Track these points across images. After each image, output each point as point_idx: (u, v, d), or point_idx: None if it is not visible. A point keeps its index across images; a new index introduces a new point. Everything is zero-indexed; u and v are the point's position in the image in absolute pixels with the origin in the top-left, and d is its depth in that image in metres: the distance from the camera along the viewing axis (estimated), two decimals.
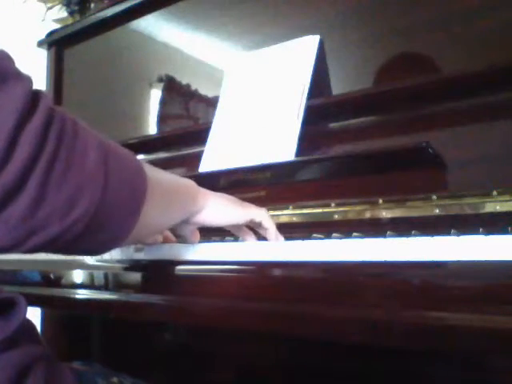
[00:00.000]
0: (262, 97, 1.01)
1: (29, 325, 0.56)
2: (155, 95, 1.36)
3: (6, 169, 0.39)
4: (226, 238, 0.79)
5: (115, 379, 0.68)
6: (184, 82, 1.28)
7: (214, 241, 0.82)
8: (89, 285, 0.90)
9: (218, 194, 0.69)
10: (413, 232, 0.62)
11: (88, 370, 0.67)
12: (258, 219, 0.70)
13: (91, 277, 0.90)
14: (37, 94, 0.42)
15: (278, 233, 0.71)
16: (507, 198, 0.66)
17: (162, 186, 0.55)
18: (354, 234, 0.68)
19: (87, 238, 0.46)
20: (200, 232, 0.76)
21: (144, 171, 0.50)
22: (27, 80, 0.43)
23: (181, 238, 0.76)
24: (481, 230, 0.56)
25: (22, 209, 0.41)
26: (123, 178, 0.47)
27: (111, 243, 0.50)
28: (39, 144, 0.41)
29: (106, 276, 0.86)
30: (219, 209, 0.67)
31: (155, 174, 0.54)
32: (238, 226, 0.74)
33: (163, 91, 1.34)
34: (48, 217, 0.42)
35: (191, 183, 0.65)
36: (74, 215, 0.43)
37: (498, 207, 0.67)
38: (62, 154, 0.42)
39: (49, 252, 0.48)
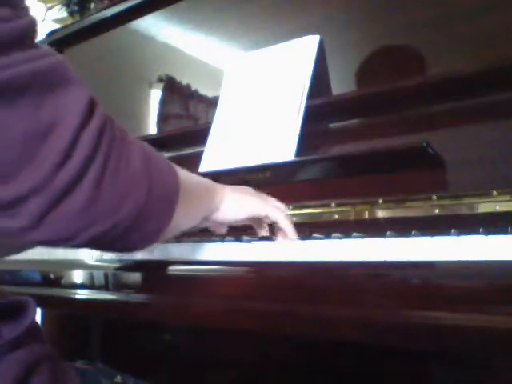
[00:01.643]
0: (261, 97, 1.01)
1: (35, 325, 0.57)
2: (155, 95, 1.36)
3: (68, 163, 0.42)
4: (226, 238, 0.79)
5: (119, 378, 0.68)
6: (184, 82, 1.28)
7: (214, 241, 0.82)
8: (89, 285, 0.90)
9: (236, 187, 0.68)
10: (413, 232, 0.62)
11: (91, 369, 0.68)
12: (272, 218, 0.68)
13: (91, 277, 0.90)
14: (94, 100, 0.46)
15: (294, 233, 0.69)
16: (507, 198, 0.66)
17: (189, 189, 0.56)
18: (354, 233, 0.68)
19: (127, 235, 0.49)
20: (200, 232, 0.76)
21: (178, 177, 0.53)
22: (86, 85, 0.46)
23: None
24: (481, 230, 0.56)
25: (80, 202, 0.44)
26: (162, 185, 0.51)
27: (144, 242, 0.53)
28: (96, 145, 0.44)
29: (105, 276, 0.86)
30: (235, 204, 0.66)
31: (184, 178, 0.55)
32: (259, 221, 0.72)
33: (163, 91, 1.34)
34: (101, 212, 0.46)
35: (209, 181, 0.65)
36: (122, 213, 0.47)
37: (497, 207, 0.67)
38: (113, 157, 0.45)
39: (92, 248, 0.52)
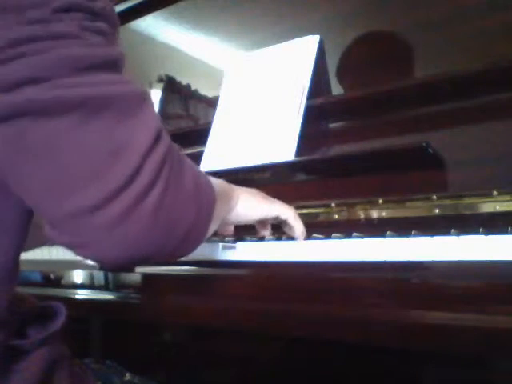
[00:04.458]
0: (261, 97, 1.01)
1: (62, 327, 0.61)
2: (155, 95, 1.36)
3: (130, 188, 0.45)
4: (226, 238, 0.79)
5: (128, 376, 0.71)
6: (184, 82, 1.28)
7: (214, 241, 0.82)
8: (89, 285, 0.90)
9: (247, 189, 0.70)
10: (413, 232, 0.62)
11: (102, 368, 0.70)
12: (283, 216, 0.71)
13: (91, 277, 0.90)
14: (161, 130, 0.49)
15: (304, 232, 0.71)
16: (507, 198, 0.66)
17: (218, 199, 0.58)
18: (354, 233, 0.68)
19: (171, 253, 0.53)
20: None
21: (215, 194, 0.56)
22: (157, 116, 0.50)
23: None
24: (481, 229, 0.56)
25: (137, 228, 0.46)
26: (207, 205, 0.54)
27: (183, 255, 0.57)
28: (158, 172, 0.46)
29: (106, 276, 0.86)
30: (249, 205, 0.68)
31: (215, 186, 0.58)
32: (264, 222, 0.75)
33: (163, 91, 1.34)
34: (156, 237, 0.48)
35: (225, 183, 0.67)
36: (173, 237, 0.50)
37: (497, 207, 0.66)
38: (172, 185, 0.48)
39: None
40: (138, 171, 0.45)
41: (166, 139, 0.49)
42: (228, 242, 0.77)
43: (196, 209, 0.52)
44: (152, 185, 0.46)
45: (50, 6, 0.44)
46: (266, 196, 0.72)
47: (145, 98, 0.49)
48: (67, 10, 0.44)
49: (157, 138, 0.47)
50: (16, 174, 0.46)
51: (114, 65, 0.47)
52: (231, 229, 0.78)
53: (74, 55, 0.44)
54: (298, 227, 0.70)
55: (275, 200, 0.72)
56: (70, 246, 0.49)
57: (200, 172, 0.55)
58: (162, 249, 0.50)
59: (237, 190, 0.67)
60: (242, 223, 0.71)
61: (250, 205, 0.68)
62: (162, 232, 0.48)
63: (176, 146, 0.51)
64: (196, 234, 0.53)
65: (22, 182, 0.46)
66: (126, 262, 0.50)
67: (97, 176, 0.44)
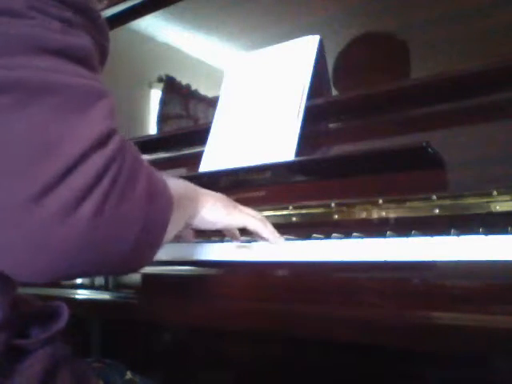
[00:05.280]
0: (261, 97, 1.01)
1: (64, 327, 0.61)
2: (155, 95, 1.36)
3: (67, 181, 0.40)
4: (226, 238, 0.79)
5: (129, 374, 0.70)
6: (184, 82, 1.28)
7: (214, 241, 0.82)
8: (89, 285, 0.90)
9: (216, 195, 0.69)
10: (413, 232, 0.62)
11: (103, 367, 0.70)
12: (251, 227, 0.69)
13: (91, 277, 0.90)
14: (112, 133, 0.44)
15: (276, 236, 0.70)
16: (507, 198, 0.66)
17: (177, 202, 0.55)
18: (354, 233, 0.68)
19: (122, 260, 0.48)
20: (198, 232, 0.76)
21: (173, 202, 0.51)
22: (110, 117, 0.45)
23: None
24: (481, 230, 0.56)
25: (80, 226, 0.41)
26: (160, 212, 0.49)
27: (137, 266, 0.53)
28: (95, 179, 0.41)
29: (106, 276, 0.86)
30: (217, 213, 0.67)
31: (174, 192, 0.54)
32: (232, 230, 0.74)
33: (163, 91, 1.34)
34: (100, 239, 0.43)
35: (192, 188, 0.65)
36: (120, 242, 0.45)
37: (497, 207, 0.66)
38: (118, 185, 0.43)
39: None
40: (70, 171, 0.40)
41: (115, 143, 0.44)
42: (225, 241, 0.78)
43: (144, 219, 0.46)
44: (89, 189, 0.41)
45: None
46: (235, 204, 0.70)
47: (102, 97, 0.45)
48: None
49: (102, 140, 0.42)
50: None
51: (71, 55, 0.44)
52: (191, 233, 0.76)
53: (21, 34, 0.41)
54: (268, 236, 0.69)
55: (243, 208, 0.71)
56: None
57: (158, 179, 0.50)
58: (102, 265, 0.46)
59: (204, 195, 0.66)
60: (207, 229, 0.69)
61: (219, 213, 0.67)
62: (103, 246, 0.43)
63: (132, 153, 0.46)
64: (147, 242, 0.49)
65: None
66: (47, 277, 0.44)
67: (22, 171, 0.39)
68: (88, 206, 0.40)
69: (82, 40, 0.46)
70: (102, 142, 0.42)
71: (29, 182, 0.39)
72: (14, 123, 0.40)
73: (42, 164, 0.39)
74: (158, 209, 0.49)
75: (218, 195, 0.69)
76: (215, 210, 0.66)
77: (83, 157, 0.41)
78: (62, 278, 0.48)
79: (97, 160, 0.42)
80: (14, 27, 0.41)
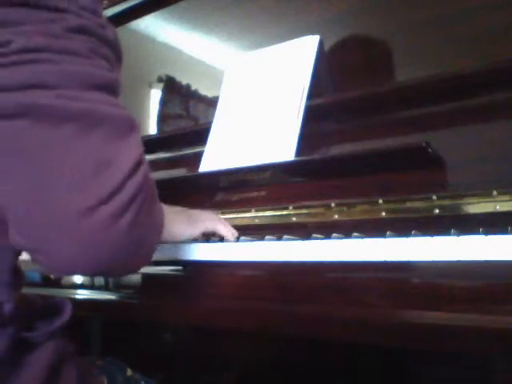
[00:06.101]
0: (261, 97, 1.01)
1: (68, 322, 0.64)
2: (155, 95, 1.36)
3: (112, 201, 0.48)
4: (225, 238, 0.79)
5: (129, 371, 0.73)
6: (184, 82, 1.28)
7: (214, 241, 0.82)
8: (89, 285, 0.90)
9: (174, 209, 0.77)
10: (413, 232, 0.62)
11: (104, 364, 0.72)
12: (211, 229, 0.80)
13: (91, 277, 0.90)
14: (142, 157, 0.53)
15: (233, 233, 0.79)
16: (507, 198, 0.66)
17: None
18: (354, 234, 0.68)
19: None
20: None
21: (164, 218, 0.61)
22: (140, 135, 0.54)
23: None
24: (481, 229, 0.56)
25: (117, 236, 0.49)
26: (160, 230, 0.59)
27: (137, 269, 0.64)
28: (135, 195, 0.50)
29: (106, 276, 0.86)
30: (183, 227, 0.77)
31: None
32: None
33: (163, 91, 1.34)
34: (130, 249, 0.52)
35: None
36: (144, 249, 0.56)
37: (498, 207, 0.66)
38: (144, 208, 0.52)
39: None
40: (119, 189, 0.48)
41: (146, 167, 0.53)
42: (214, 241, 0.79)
43: (159, 230, 0.58)
44: (129, 204, 0.49)
45: (65, 24, 0.48)
46: (194, 212, 0.81)
47: (134, 125, 0.52)
48: (79, 31, 0.50)
49: (138, 164, 0.51)
50: (2, 170, 0.48)
51: (113, 89, 0.52)
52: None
53: (82, 72, 0.49)
54: (227, 235, 0.79)
55: (201, 214, 0.81)
56: (31, 251, 0.51)
57: (161, 211, 0.60)
58: (127, 264, 0.55)
59: (169, 213, 0.71)
60: (173, 241, 0.77)
61: (184, 227, 0.77)
62: (132, 248, 0.52)
63: (151, 175, 0.55)
64: (151, 253, 0.59)
65: (6, 180, 0.48)
66: (88, 272, 0.54)
67: (80, 187, 0.47)
68: (128, 217, 0.49)
69: (117, 76, 0.54)
70: (138, 165, 0.51)
71: (86, 196, 0.47)
72: (77, 149, 0.48)
73: (96, 183, 0.48)
74: (160, 222, 0.59)
75: (175, 209, 0.78)
76: (182, 225, 0.77)
77: (125, 179, 0.49)
78: (101, 271, 0.56)
79: (136, 180, 0.50)
80: (71, 65, 0.48)
